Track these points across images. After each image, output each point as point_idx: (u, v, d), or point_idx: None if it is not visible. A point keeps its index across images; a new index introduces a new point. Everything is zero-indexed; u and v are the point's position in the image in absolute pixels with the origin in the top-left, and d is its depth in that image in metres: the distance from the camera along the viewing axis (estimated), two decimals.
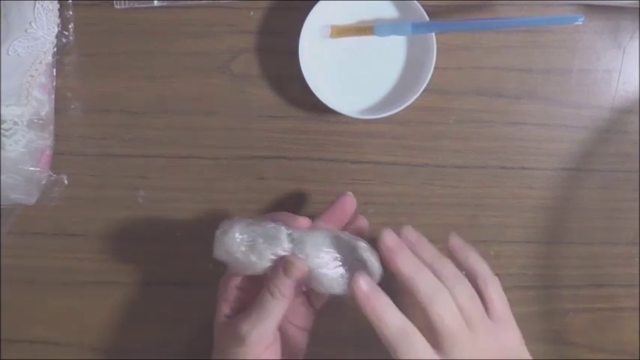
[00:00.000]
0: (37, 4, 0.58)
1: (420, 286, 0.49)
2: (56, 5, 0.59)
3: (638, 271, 0.63)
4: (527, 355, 0.53)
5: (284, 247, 0.51)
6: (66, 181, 0.63)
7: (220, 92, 0.62)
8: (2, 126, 0.59)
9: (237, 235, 0.52)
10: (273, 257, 0.52)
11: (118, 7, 0.60)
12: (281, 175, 0.63)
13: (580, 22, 0.53)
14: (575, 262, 0.64)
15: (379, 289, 0.50)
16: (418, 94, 0.57)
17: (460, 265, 0.53)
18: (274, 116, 0.62)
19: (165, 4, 0.61)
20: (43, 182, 0.61)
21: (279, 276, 0.51)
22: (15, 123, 0.59)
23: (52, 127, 0.61)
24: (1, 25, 0.58)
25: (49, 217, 0.62)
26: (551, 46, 0.61)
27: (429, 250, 0.52)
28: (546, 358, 0.63)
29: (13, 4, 0.58)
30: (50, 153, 0.62)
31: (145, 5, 0.60)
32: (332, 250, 0.51)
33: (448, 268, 0.51)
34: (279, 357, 0.54)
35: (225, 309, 0.56)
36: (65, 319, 0.64)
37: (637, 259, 0.63)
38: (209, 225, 0.63)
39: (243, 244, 0.52)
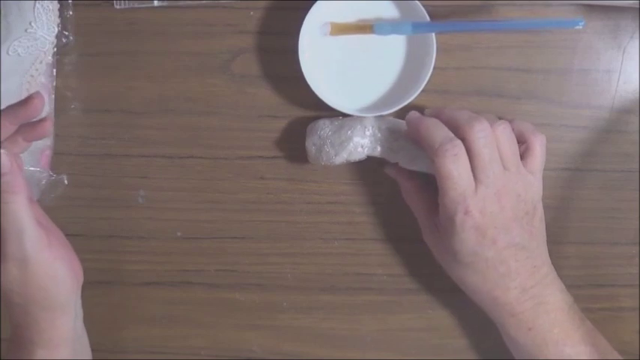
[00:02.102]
0: (37, 4, 0.58)
1: (459, 117, 0.54)
2: (56, 5, 0.59)
3: (638, 271, 0.63)
4: (542, 211, 0.57)
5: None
6: (66, 181, 0.63)
7: (220, 92, 0.62)
8: None
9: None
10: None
11: (118, 7, 0.60)
12: (281, 175, 0.63)
13: (581, 26, 0.52)
14: (575, 262, 0.64)
15: (426, 117, 0.57)
16: (417, 94, 0.57)
17: None
18: (274, 116, 0.62)
19: (165, 4, 0.61)
20: (43, 182, 0.61)
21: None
22: None
23: (52, 127, 0.61)
24: (1, 25, 0.58)
25: (49, 217, 0.61)
26: (551, 46, 0.61)
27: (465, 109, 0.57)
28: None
29: (13, 4, 0.58)
30: (50, 153, 0.62)
31: (145, 5, 0.60)
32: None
33: (489, 115, 0.56)
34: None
35: None
36: None
37: (637, 259, 0.63)
38: (209, 225, 0.64)
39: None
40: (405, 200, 0.60)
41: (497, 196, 0.53)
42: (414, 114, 0.57)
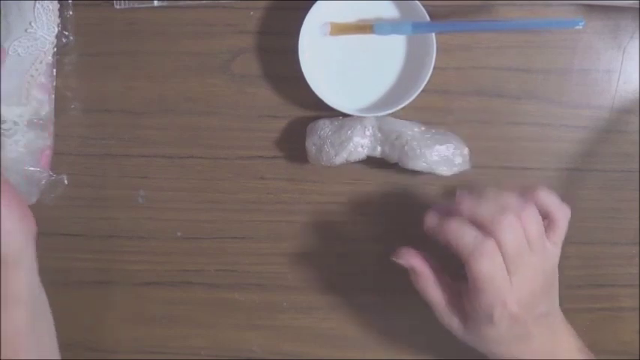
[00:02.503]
0: (37, 4, 0.58)
1: (483, 213, 0.52)
2: (56, 5, 0.59)
3: (638, 271, 0.63)
4: (557, 276, 0.56)
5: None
6: (66, 181, 0.63)
7: (220, 92, 0.62)
8: (2, 126, 0.59)
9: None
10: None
11: (118, 7, 0.60)
12: (281, 175, 0.63)
13: (581, 26, 0.52)
14: (575, 262, 0.64)
15: (447, 218, 0.53)
16: (417, 94, 0.57)
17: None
18: (274, 116, 0.62)
19: (165, 4, 0.61)
20: (43, 182, 0.61)
21: None
22: (15, 123, 0.59)
23: (52, 127, 0.61)
24: (1, 25, 0.58)
25: (49, 217, 0.62)
26: (551, 46, 0.61)
27: (489, 193, 0.54)
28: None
29: (13, 4, 0.58)
30: (50, 153, 0.62)
31: (145, 5, 0.60)
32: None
33: (512, 198, 0.53)
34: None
35: None
36: (65, 319, 0.64)
37: (637, 259, 0.63)
38: (209, 225, 0.64)
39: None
40: (416, 286, 0.56)
41: (528, 280, 0.53)
42: (432, 219, 0.54)
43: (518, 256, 0.52)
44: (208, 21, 0.61)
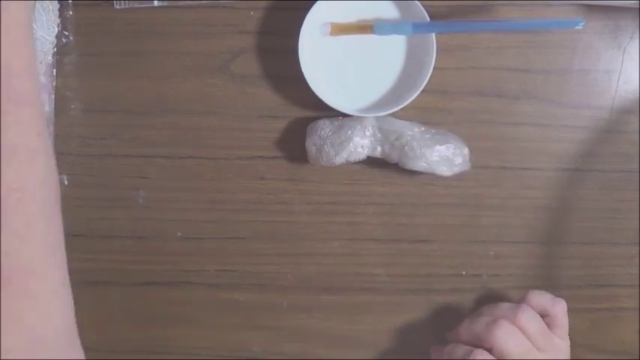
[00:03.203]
0: (37, 4, 0.58)
1: (477, 329, 0.55)
2: (56, 5, 0.59)
3: (638, 271, 0.63)
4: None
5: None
6: (66, 181, 0.63)
7: (220, 92, 0.62)
8: None
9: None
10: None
11: (118, 7, 0.60)
12: (281, 175, 0.63)
13: (581, 27, 0.52)
14: (575, 262, 0.64)
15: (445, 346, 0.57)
16: (417, 94, 0.57)
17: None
18: (274, 116, 0.62)
19: (165, 4, 0.61)
20: None
21: None
22: None
23: (52, 127, 0.61)
24: None
25: None
26: (551, 46, 0.61)
27: (483, 310, 0.58)
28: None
29: None
30: None
31: (145, 5, 0.60)
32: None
33: (505, 307, 0.56)
34: None
35: None
36: None
37: (637, 259, 0.63)
38: (209, 225, 0.64)
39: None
40: None
41: None
42: (434, 353, 0.59)
43: (525, 357, 0.53)
44: (208, 21, 0.61)
